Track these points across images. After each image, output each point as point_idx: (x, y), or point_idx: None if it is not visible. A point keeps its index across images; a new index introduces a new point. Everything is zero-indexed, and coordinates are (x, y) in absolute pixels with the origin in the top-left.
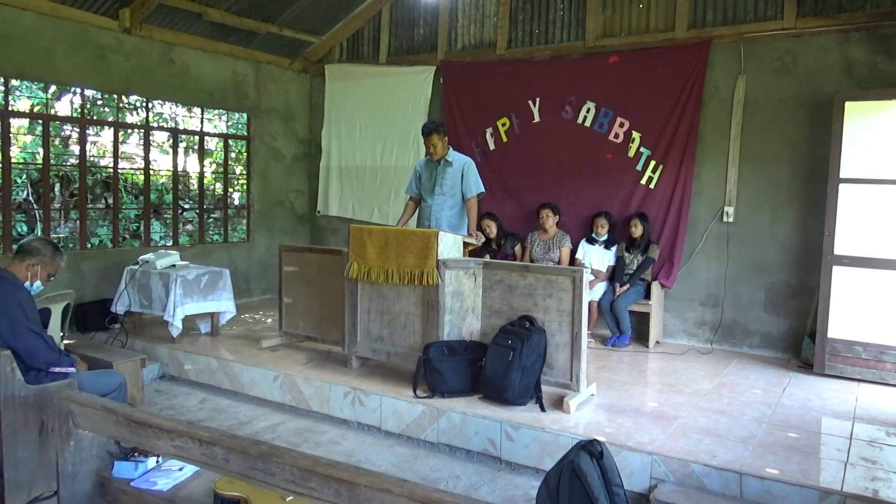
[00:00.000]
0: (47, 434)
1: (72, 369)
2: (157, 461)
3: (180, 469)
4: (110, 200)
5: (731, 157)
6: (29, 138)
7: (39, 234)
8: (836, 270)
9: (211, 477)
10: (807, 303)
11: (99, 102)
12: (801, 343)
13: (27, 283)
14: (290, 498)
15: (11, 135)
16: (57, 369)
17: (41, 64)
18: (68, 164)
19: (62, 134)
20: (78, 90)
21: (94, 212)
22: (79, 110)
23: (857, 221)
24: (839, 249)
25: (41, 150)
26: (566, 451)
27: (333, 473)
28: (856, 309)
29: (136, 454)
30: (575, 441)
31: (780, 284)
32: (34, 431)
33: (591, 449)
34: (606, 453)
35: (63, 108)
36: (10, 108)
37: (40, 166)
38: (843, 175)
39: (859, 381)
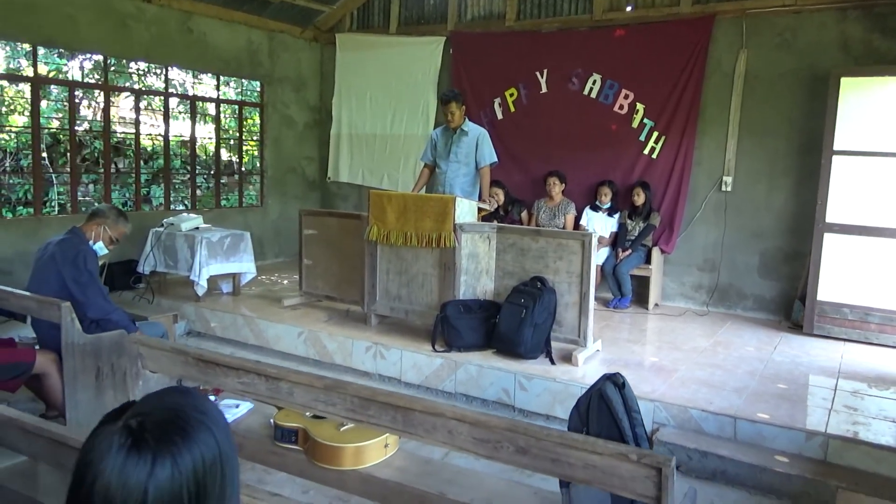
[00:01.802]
0: (102, 379)
1: (123, 322)
2: (215, 400)
3: (237, 406)
4: (120, 166)
5: (730, 128)
6: (44, 104)
7: (54, 197)
8: (828, 237)
9: (264, 413)
10: (798, 268)
11: (113, 69)
12: (793, 305)
13: (91, 242)
14: (345, 427)
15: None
16: (114, 317)
17: (66, 31)
18: (81, 128)
19: (73, 100)
20: (99, 57)
21: (95, 177)
22: (100, 77)
23: (848, 191)
24: (830, 217)
25: (54, 115)
26: (591, 384)
27: (391, 401)
28: (844, 273)
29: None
30: (583, 390)
31: (774, 250)
32: (91, 376)
33: (615, 380)
34: (627, 385)
35: (74, 73)
36: (38, 74)
37: (55, 131)
38: (836, 147)
39: (845, 340)
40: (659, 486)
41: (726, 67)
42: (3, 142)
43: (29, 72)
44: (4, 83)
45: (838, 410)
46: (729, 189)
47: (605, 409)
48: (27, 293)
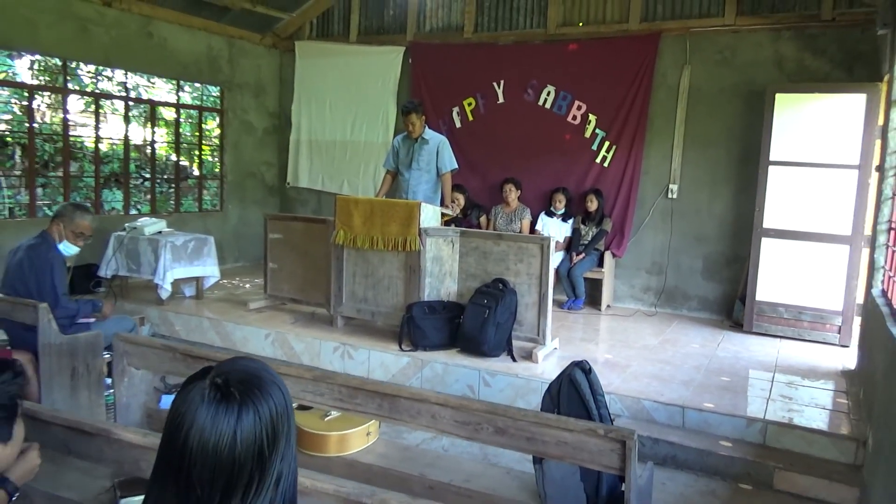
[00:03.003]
0: (78, 378)
1: (91, 320)
2: None
3: None
4: (72, 169)
5: (676, 139)
6: None
7: (2, 201)
8: (765, 241)
9: None
10: (738, 270)
11: (79, 73)
12: (734, 305)
13: (58, 243)
14: (330, 416)
15: None
16: (81, 320)
17: (24, 34)
18: (33, 133)
19: (21, 103)
20: (54, 60)
21: (54, 180)
22: (49, 79)
23: (783, 199)
24: (767, 223)
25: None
26: (560, 371)
27: (378, 389)
28: (780, 275)
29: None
30: (544, 385)
31: (716, 254)
32: (67, 376)
33: (582, 366)
34: (593, 371)
35: (23, 75)
36: None
37: (5, 134)
38: (772, 158)
39: (781, 337)
40: (623, 458)
41: (671, 81)
42: None
43: None
44: None
45: (775, 399)
46: (675, 196)
47: (574, 392)
48: (1, 295)
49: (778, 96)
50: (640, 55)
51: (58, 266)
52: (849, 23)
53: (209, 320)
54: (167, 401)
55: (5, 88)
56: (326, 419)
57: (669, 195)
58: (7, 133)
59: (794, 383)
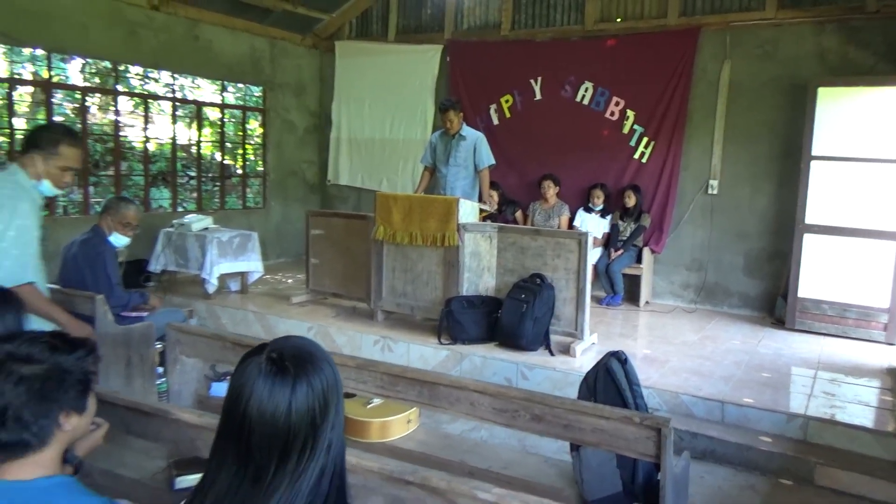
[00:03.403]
0: (132, 367)
1: (144, 314)
2: None
3: None
4: (121, 169)
5: (716, 135)
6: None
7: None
8: (807, 237)
9: None
10: (780, 266)
11: (128, 75)
12: (775, 302)
13: (109, 236)
14: (372, 404)
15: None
16: (132, 313)
17: (78, 38)
18: (86, 133)
19: (73, 105)
20: (105, 63)
21: (105, 179)
22: (100, 82)
23: (826, 194)
24: (810, 219)
25: (53, 118)
26: (596, 362)
27: (418, 377)
28: (823, 271)
29: (227, 377)
30: (580, 378)
31: (758, 250)
32: (122, 365)
33: (618, 356)
34: (629, 361)
35: (75, 78)
36: (52, 80)
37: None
38: (814, 153)
39: (825, 334)
40: (658, 445)
41: (711, 76)
42: (4, 145)
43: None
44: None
45: (817, 396)
46: (715, 192)
47: (610, 381)
48: (59, 287)
49: (821, 90)
50: (679, 50)
51: (109, 257)
52: (894, 14)
53: (254, 314)
54: (217, 388)
55: (58, 91)
56: (369, 406)
57: (709, 191)
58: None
59: (837, 380)
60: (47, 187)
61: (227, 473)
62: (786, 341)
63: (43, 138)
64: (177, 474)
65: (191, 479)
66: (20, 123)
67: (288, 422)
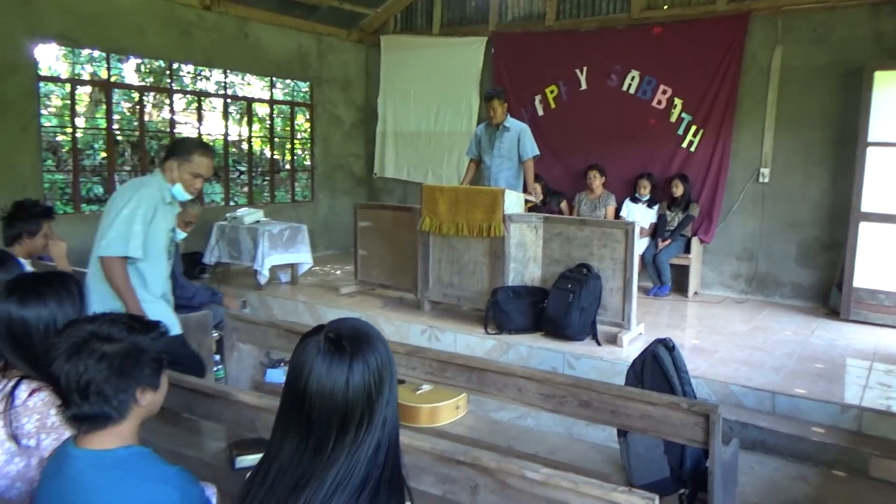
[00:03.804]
0: None
1: (205, 297)
2: None
3: None
4: None
5: (767, 122)
6: (104, 107)
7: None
8: (863, 226)
9: None
10: (835, 256)
11: (182, 73)
12: (829, 292)
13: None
14: (421, 390)
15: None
16: (197, 299)
17: (134, 39)
18: (136, 131)
19: (127, 104)
20: (158, 62)
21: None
22: (154, 80)
23: (882, 181)
24: (866, 207)
25: (112, 117)
26: (644, 348)
27: (467, 363)
28: (880, 261)
29: (282, 363)
30: (627, 368)
31: (811, 239)
32: None
33: (665, 343)
34: (677, 348)
35: (130, 77)
36: (111, 80)
37: (117, 133)
38: (870, 139)
39: (881, 325)
40: (707, 431)
41: (762, 62)
42: (66, 143)
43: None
44: (70, 87)
45: (872, 387)
46: (766, 180)
47: (657, 368)
48: None
49: (877, 74)
50: (728, 36)
51: (175, 251)
52: None
53: (304, 304)
54: (272, 374)
55: (116, 90)
56: (418, 392)
57: (761, 179)
58: (118, 132)
59: (893, 372)
60: (179, 190)
61: (290, 445)
62: (840, 332)
63: (180, 147)
64: (237, 454)
65: (251, 459)
66: (80, 122)
67: (346, 397)
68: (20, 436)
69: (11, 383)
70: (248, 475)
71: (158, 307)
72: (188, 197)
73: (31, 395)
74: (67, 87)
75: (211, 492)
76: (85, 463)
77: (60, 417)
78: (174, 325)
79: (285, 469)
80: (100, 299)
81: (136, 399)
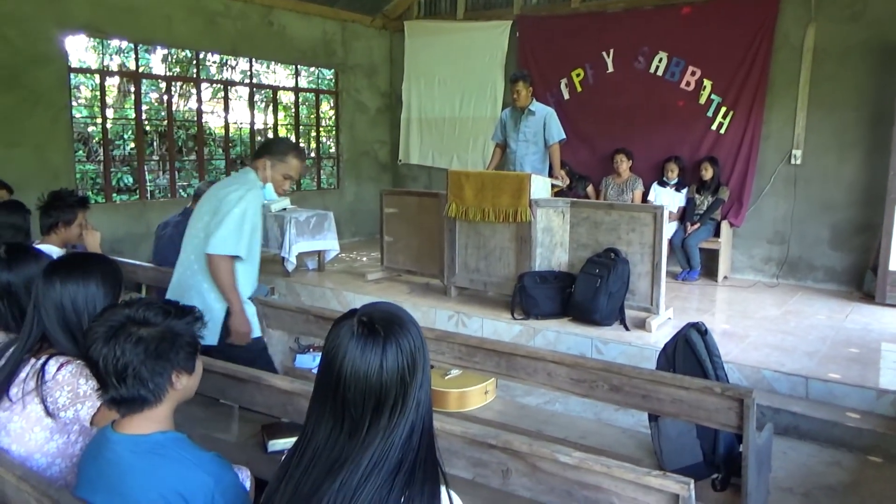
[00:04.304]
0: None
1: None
2: None
3: None
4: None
5: (799, 102)
6: (132, 97)
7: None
8: None
9: None
10: (870, 239)
11: (208, 62)
12: (864, 276)
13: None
14: (450, 375)
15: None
16: None
17: (162, 30)
18: (165, 120)
19: (154, 94)
20: (185, 52)
21: (188, 164)
22: (181, 70)
23: None
24: None
25: (141, 107)
26: (675, 332)
27: (496, 348)
28: None
29: (311, 349)
30: (657, 353)
31: (845, 222)
32: None
33: (698, 327)
34: (709, 332)
35: (157, 68)
36: (139, 70)
37: (145, 123)
38: None
39: None
40: (741, 416)
41: (794, 41)
42: (96, 133)
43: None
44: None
45: None
46: (798, 162)
47: (689, 353)
48: (151, 265)
49: None
50: (759, 15)
51: None
52: None
53: (331, 290)
54: (301, 360)
55: (144, 80)
56: (447, 377)
57: (792, 161)
58: (146, 122)
59: None
60: (269, 190)
61: (325, 428)
62: (875, 316)
63: (276, 147)
64: (269, 438)
65: (283, 443)
66: (110, 113)
67: (380, 380)
68: (56, 410)
69: (41, 361)
70: (283, 457)
71: (248, 309)
72: (276, 198)
73: (59, 369)
74: (97, 77)
75: (244, 475)
76: (123, 447)
77: (92, 385)
78: (257, 329)
79: (320, 452)
80: (199, 295)
81: (171, 382)
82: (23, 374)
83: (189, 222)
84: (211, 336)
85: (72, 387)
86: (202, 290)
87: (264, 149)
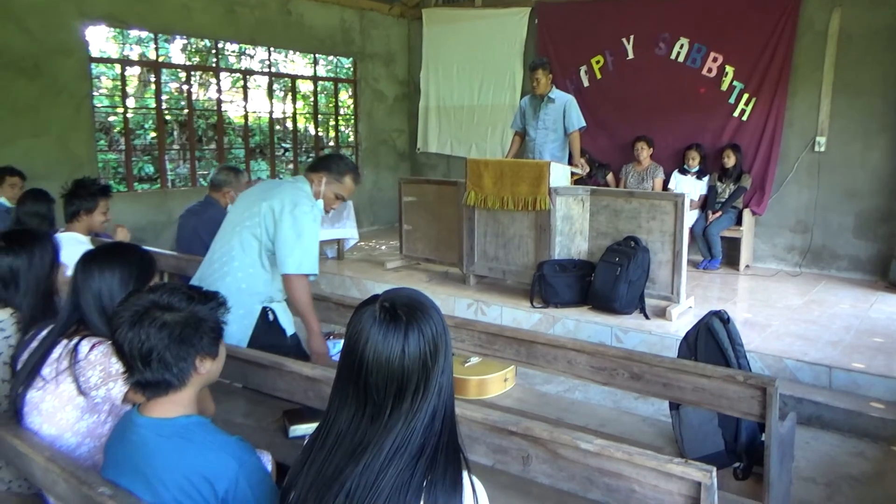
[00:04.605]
0: None
1: None
2: None
3: None
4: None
5: (823, 89)
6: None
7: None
8: None
9: None
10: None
11: (227, 52)
12: (889, 265)
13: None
14: (470, 362)
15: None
16: None
17: (182, 19)
18: (185, 110)
19: (173, 84)
20: (203, 41)
21: (208, 153)
22: (200, 60)
23: None
24: None
25: (161, 97)
26: (697, 321)
27: (516, 335)
28: None
29: (331, 336)
30: (678, 343)
31: (871, 210)
32: None
33: (720, 315)
34: (731, 321)
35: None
36: (159, 60)
37: (165, 113)
38: None
39: None
40: (763, 405)
41: (819, 26)
42: (118, 123)
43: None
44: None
45: None
46: (822, 149)
47: (711, 341)
48: (175, 253)
49: None
50: (782, 1)
51: None
52: None
53: (350, 279)
54: None
55: (164, 70)
56: (466, 365)
57: (816, 148)
58: (167, 111)
59: None
60: (320, 206)
61: (348, 413)
62: None
63: (335, 164)
64: (290, 424)
65: (304, 428)
66: (130, 103)
67: (402, 365)
68: (88, 389)
69: (74, 341)
70: (306, 441)
71: (280, 309)
72: (323, 214)
73: (91, 349)
74: (117, 67)
75: (266, 459)
76: (148, 430)
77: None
78: (291, 326)
79: (343, 435)
80: (245, 310)
81: (195, 367)
82: (55, 354)
83: (231, 220)
84: (241, 336)
85: (103, 366)
86: (239, 290)
87: (323, 164)
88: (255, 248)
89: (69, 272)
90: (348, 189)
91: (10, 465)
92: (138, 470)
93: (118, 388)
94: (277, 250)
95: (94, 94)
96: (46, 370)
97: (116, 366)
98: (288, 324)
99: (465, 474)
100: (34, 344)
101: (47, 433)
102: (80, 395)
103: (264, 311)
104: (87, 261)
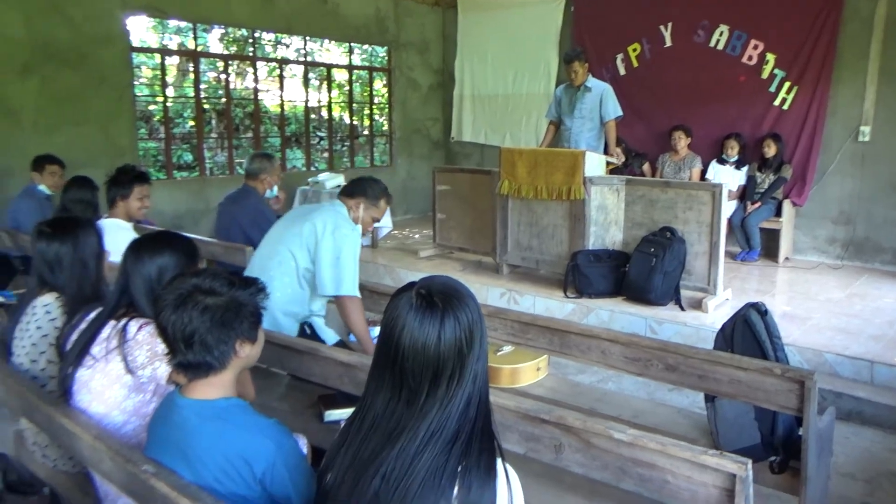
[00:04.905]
0: None
1: None
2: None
3: None
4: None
5: (869, 77)
6: (190, 76)
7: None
8: None
9: None
10: None
11: (264, 41)
12: None
13: (270, 191)
14: (502, 351)
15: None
16: None
17: (220, 9)
18: (223, 99)
19: (211, 73)
20: (241, 31)
21: (244, 141)
22: (237, 49)
23: None
24: None
25: (200, 86)
26: (734, 312)
27: (549, 325)
28: None
29: (367, 323)
30: (714, 335)
31: None
32: None
33: (758, 307)
34: (769, 313)
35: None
36: (197, 50)
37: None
38: None
39: None
40: (801, 398)
41: (864, 12)
42: (157, 112)
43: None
44: (159, 57)
45: None
46: (867, 139)
47: (748, 333)
48: (214, 240)
49: None
50: None
51: (271, 213)
52: None
53: (384, 267)
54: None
55: (203, 59)
56: (499, 353)
57: (861, 138)
58: (205, 100)
59: None
60: (358, 231)
61: (384, 397)
62: None
63: (371, 190)
64: (325, 409)
65: (338, 414)
66: (170, 92)
67: (438, 351)
68: (135, 368)
69: (123, 322)
70: (343, 424)
71: (320, 323)
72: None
73: (139, 329)
74: (157, 57)
75: (302, 442)
76: (190, 411)
77: None
78: (332, 336)
79: (379, 420)
80: (288, 321)
81: (235, 350)
82: (105, 334)
83: (270, 238)
84: None
85: (150, 346)
86: (276, 311)
87: (360, 189)
88: (292, 267)
89: (111, 258)
90: (382, 211)
91: (57, 443)
92: (179, 449)
93: (163, 369)
94: (317, 271)
95: (135, 83)
96: (96, 349)
97: (162, 346)
98: (327, 335)
99: (498, 461)
100: (83, 326)
101: (96, 411)
102: (127, 374)
103: (301, 327)
104: (136, 248)
